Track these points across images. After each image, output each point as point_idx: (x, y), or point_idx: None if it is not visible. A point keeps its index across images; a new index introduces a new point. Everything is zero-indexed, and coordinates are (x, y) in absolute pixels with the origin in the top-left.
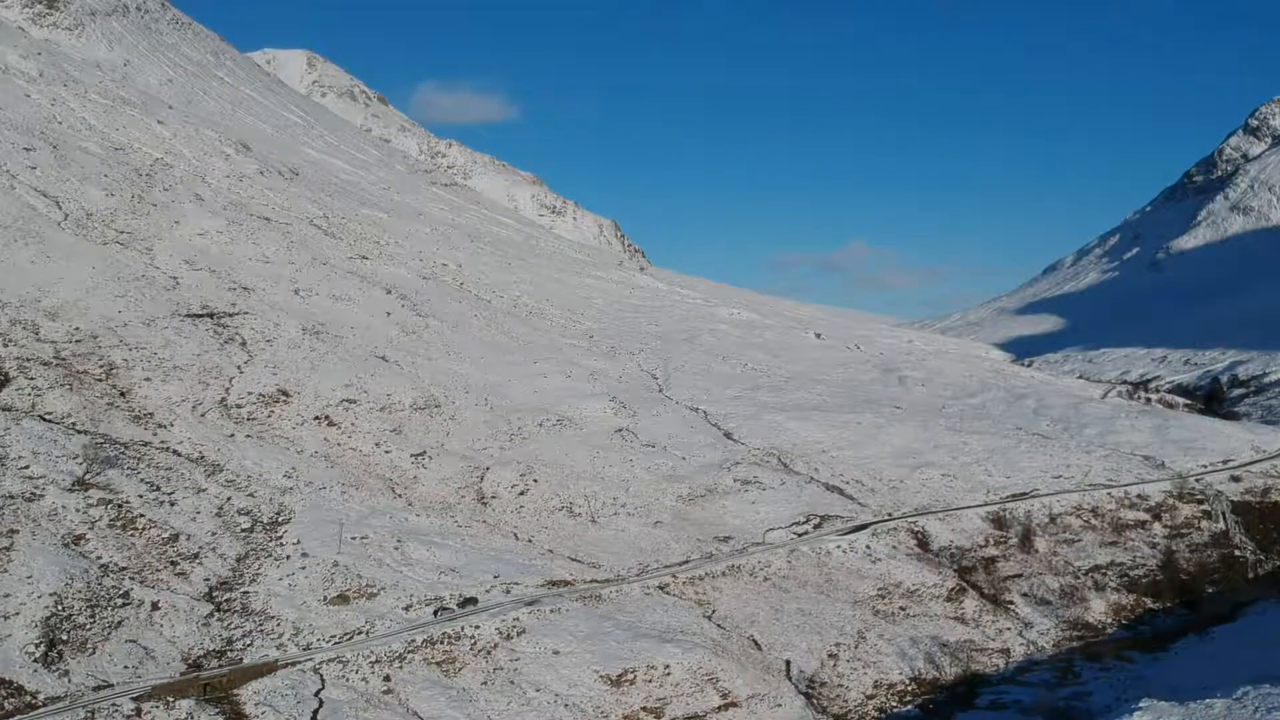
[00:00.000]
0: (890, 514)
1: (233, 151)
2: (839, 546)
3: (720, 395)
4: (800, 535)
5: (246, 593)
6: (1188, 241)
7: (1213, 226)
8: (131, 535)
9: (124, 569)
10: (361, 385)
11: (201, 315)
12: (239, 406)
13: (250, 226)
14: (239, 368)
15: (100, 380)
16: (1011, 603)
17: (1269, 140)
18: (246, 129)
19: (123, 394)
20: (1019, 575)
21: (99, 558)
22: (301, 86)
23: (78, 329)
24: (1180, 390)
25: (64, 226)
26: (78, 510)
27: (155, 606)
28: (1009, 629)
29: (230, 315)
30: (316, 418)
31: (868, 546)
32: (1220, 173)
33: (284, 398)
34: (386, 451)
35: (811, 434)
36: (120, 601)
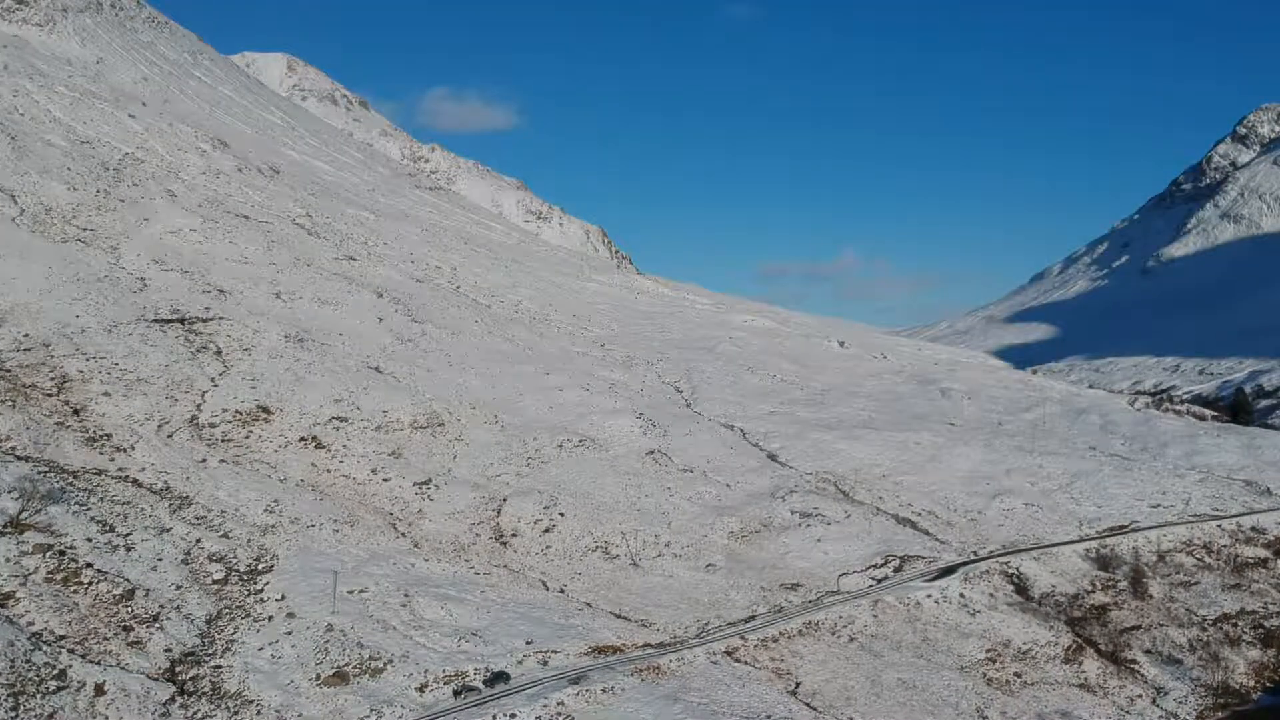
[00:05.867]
0: (976, 553)
1: (209, 148)
2: (929, 596)
3: (755, 410)
4: (880, 581)
5: (218, 668)
6: (1178, 249)
7: (1203, 234)
8: (75, 592)
9: (62, 638)
10: (353, 400)
11: (171, 321)
12: (212, 426)
13: (227, 225)
14: (213, 380)
15: (50, 395)
16: (1135, 662)
17: (1258, 148)
18: (224, 128)
19: (76, 411)
20: (1137, 627)
21: (31, 624)
22: (281, 89)
23: (27, 335)
24: (1200, 401)
25: (19, 222)
26: (7, 560)
27: (100, 690)
28: (1141, 697)
29: (204, 321)
30: (302, 439)
31: (962, 595)
32: (1209, 180)
33: (264, 415)
34: (385, 479)
35: (867, 456)
36: (54, 684)
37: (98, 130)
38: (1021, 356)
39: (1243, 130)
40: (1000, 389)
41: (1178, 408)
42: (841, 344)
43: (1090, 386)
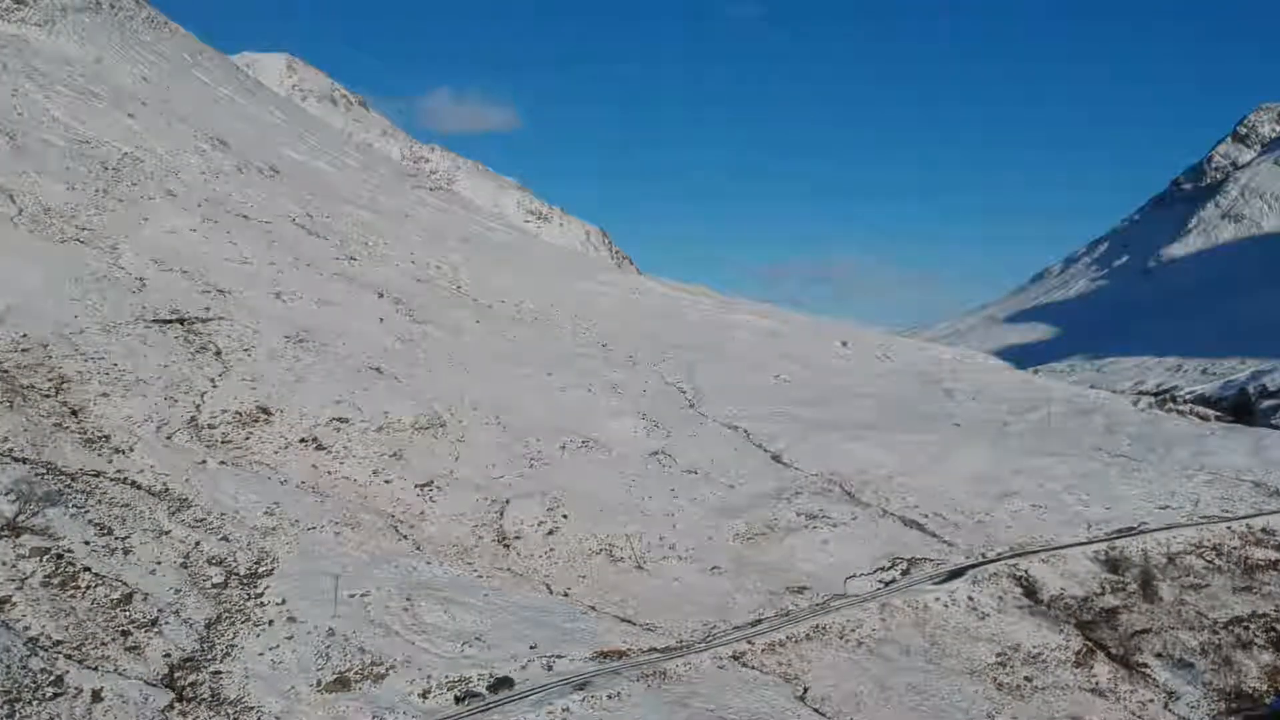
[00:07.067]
0: (984, 555)
1: (209, 148)
2: (938, 599)
3: (758, 411)
4: (888, 584)
5: (218, 673)
6: (1179, 249)
7: (1204, 234)
8: (72, 596)
9: (59, 643)
10: (354, 401)
11: (170, 321)
12: (211, 427)
13: (227, 224)
14: (212, 381)
15: (48, 396)
16: (1146, 666)
17: (1258, 148)
18: (224, 127)
19: (74, 413)
20: (1147, 630)
21: (27, 628)
22: (281, 90)
23: (25, 336)
24: (1203, 401)
25: (17, 222)
26: (4, 564)
27: (97, 696)
28: (1153, 701)
29: (203, 321)
30: (303, 440)
31: (970, 598)
32: (1210, 180)
33: (264, 416)
34: (386, 481)
35: (872, 456)
36: (51, 691)
37: (97, 130)
38: (1022, 356)
39: (1243, 130)
40: (1004, 389)
41: (1181, 408)
42: (844, 344)
43: (1092, 386)
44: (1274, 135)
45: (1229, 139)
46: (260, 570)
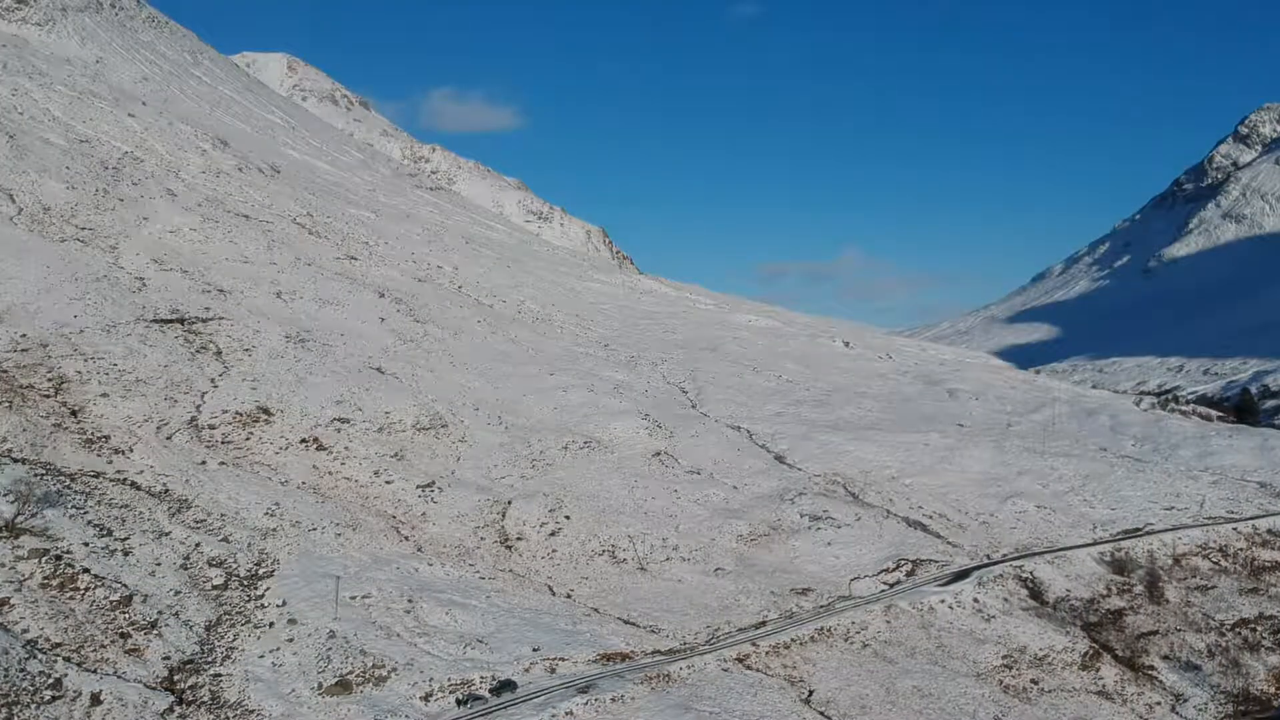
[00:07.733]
0: (989, 556)
1: (209, 147)
2: (943, 601)
3: (760, 411)
4: (892, 585)
5: (218, 676)
6: (1180, 249)
7: (1205, 234)
8: (71, 598)
9: (58, 646)
10: (355, 401)
11: (170, 321)
12: (211, 427)
13: (227, 224)
14: (212, 381)
15: (48, 396)
16: (1153, 668)
17: (1260, 148)
18: (225, 127)
19: (74, 413)
20: (1154, 632)
21: (25, 631)
22: (282, 89)
23: (25, 336)
24: (1205, 401)
25: (16, 221)
26: (2, 565)
27: (96, 700)
28: (1160, 704)
29: (203, 320)
30: (303, 440)
31: (976, 600)
32: (1211, 180)
33: (265, 417)
34: (388, 481)
35: (875, 457)
36: (49, 694)
37: (97, 129)
38: (1023, 356)
39: (1244, 130)
40: (1007, 389)
41: (1184, 408)
42: (846, 344)
43: (1094, 387)
44: (1275, 135)
45: (1230, 139)
46: (261, 572)
